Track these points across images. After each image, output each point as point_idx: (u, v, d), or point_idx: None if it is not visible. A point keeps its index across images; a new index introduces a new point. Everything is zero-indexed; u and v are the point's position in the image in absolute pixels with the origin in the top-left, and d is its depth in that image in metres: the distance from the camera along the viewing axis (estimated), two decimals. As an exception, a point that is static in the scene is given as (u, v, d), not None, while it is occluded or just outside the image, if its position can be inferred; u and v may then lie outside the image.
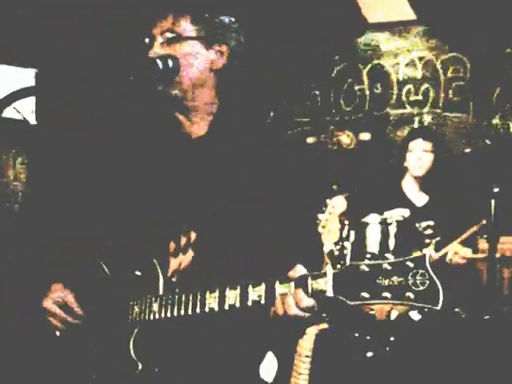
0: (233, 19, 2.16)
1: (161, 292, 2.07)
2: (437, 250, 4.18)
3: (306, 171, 2.25)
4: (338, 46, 5.64)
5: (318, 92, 5.74)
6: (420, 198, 4.47)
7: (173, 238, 2.12)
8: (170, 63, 2.08)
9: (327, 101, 5.71)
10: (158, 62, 2.06)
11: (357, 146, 5.64)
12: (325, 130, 5.69)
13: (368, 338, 3.40)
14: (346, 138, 5.66)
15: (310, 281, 1.85)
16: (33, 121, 4.83)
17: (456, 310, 3.96)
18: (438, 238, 4.27)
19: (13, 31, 4.74)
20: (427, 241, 4.28)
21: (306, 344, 3.20)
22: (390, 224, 3.67)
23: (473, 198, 4.29)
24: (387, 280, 1.73)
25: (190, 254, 2.10)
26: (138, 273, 2.11)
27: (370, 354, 3.49)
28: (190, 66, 2.11)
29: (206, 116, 2.18)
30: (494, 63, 5.24)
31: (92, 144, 2.41)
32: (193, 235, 2.11)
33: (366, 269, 1.75)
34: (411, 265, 1.72)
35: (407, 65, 5.57)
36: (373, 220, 3.68)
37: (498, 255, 4.05)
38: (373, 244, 3.60)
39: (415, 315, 1.74)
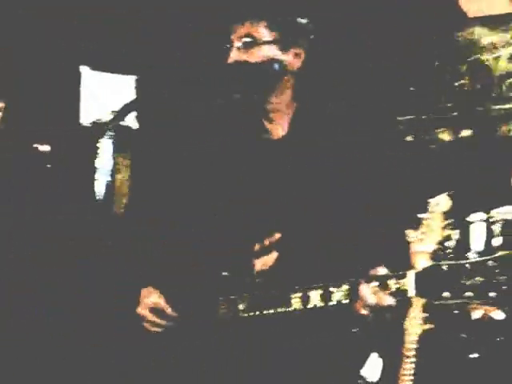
0: (308, 21, 2.18)
1: (246, 292, 2.11)
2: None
3: (406, 170, 2.25)
4: (436, 41, 5.54)
5: (415, 88, 5.66)
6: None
7: (257, 238, 2.16)
8: (276, 66, 2.13)
9: (426, 97, 5.62)
10: (265, 64, 2.11)
11: (457, 142, 5.52)
12: (424, 127, 5.60)
13: (470, 338, 3.35)
14: (446, 135, 5.56)
15: (392, 280, 1.86)
16: (135, 126, 4.97)
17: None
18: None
19: (113, 39, 4.90)
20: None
21: (409, 344, 3.17)
22: (496, 223, 3.58)
23: None
24: (470, 279, 1.72)
25: (274, 254, 2.13)
26: (225, 273, 2.15)
27: (473, 356, 3.43)
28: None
29: (285, 117, 2.21)
30: None
31: (184, 147, 2.47)
32: (277, 236, 2.13)
33: (448, 268, 1.75)
34: (494, 264, 1.70)
35: (509, 58, 5.42)
36: (477, 218, 3.60)
37: None
38: (477, 243, 3.53)
39: (499, 315, 1.71)
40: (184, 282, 2.21)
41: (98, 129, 4.45)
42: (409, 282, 1.84)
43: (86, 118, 4.63)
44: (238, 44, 2.17)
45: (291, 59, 2.18)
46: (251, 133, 2.25)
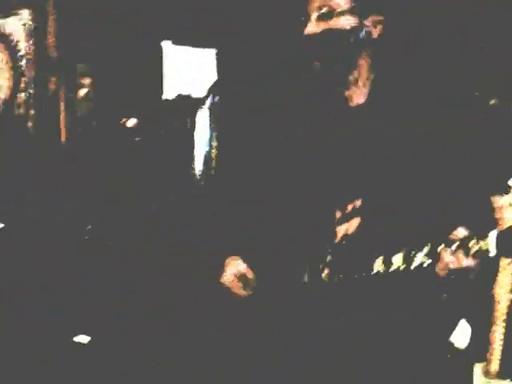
0: None
1: (329, 259, 2.17)
2: None
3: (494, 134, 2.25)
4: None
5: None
6: None
7: (338, 205, 2.21)
8: (361, 35, 2.16)
9: None
10: (347, 33, 2.15)
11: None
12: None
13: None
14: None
15: (472, 242, 1.89)
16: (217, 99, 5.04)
17: None
18: None
19: (192, 13, 4.98)
20: None
21: (499, 311, 3.15)
22: None
23: None
24: None
25: (357, 220, 2.18)
26: (308, 241, 2.22)
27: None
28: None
29: (365, 85, 2.25)
30: None
31: (265, 118, 2.53)
32: (358, 202, 2.18)
33: None
34: None
35: None
36: None
37: None
38: None
39: None
40: (267, 250, 2.28)
41: (182, 103, 4.57)
42: (490, 243, 1.86)
43: (169, 92, 4.75)
44: (314, 15, 2.21)
45: (370, 27, 2.21)
46: (331, 101, 2.29)
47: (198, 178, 3.37)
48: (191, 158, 3.60)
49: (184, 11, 5.01)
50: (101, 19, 4.43)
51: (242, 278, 2.29)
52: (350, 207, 2.19)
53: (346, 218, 2.20)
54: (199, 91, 4.84)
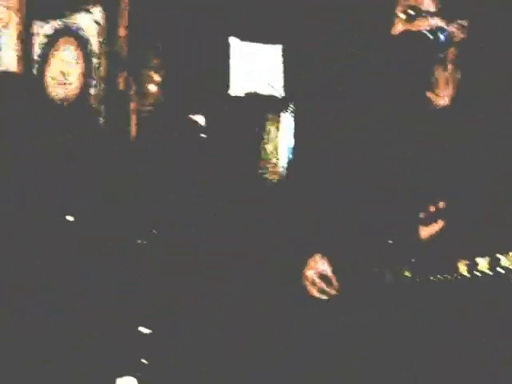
0: None
1: (413, 261, 2.15)
2: None
3: None
4: None
5: None
6: None
7: (421, 207, 2.19)
8: (442, 37, 2.16)
9: None
10: (429, 35, 2.14)
11: None
12: None
13: None
14: None
15: None
16: (282, 94, 5.04)
17: None
18: None
19: (258, 8, 4.98)
20: None
21: None
22: None
23: None
24: None
25: (440, 222, 2.16)
26: (391, 241, 2.21)
27: None
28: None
29: (449, 88, 2.23)
30: None
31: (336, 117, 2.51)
32: (441, 204, 2.16)
33: None
34: None
35: None
36: None
37: None
38: None
39: None
40: (350, 250, 2.28)
41: (250, 100, 4.57)
42: None
43: (236, 89, 4.75)
44: (402, 16, 2.20)
45: (455, 30, 2.20)
46: (414, 102, 2.28)
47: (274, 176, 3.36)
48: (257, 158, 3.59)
49: (252, 8, 5.01)
50: (170, 16, 4.46)
51: (324, 277, 2.29)
52: (432, 209, 2.17)
53: (429, 220, 2.18)
54: (265, 88, 4.84)
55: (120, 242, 3.77)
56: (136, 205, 3.84)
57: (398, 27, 2.21)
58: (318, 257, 2.32)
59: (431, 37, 2.17)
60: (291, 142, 3.29)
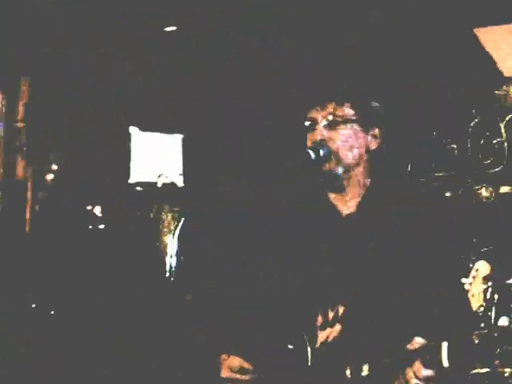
0: (380, 104, 2.32)
1: (309, 364, 2.18)
2: None
3: (446, 226, 2.33)
4: (474, 100, 5.65)
5: (455, 145, 5.75)
6: None
7: (321, 311, 2.24)
8: (321, 151, 2.25)
9: (465, 154, 5.70)
10: (310, 151, 2.24)
11: (496, 199, 5.58)
12: (463, 183, 5.68)
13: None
14: (485, 192, 5.62)
15: (427, 352, 1.94)
16: (181, 183, 5.08)
17: None
18: None
19: (158, 99, 5.06)
20: None
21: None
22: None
23: None
24: (498, 348, 1.76)
25: (338, 327, 2.21)
26: (291, 346, 2.23)
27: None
28: (351, 148, 2.29)
29: (357, 194, 2.32)
30: None
31: (238, 212, 2.56)
32: (341, 309, 2.21)
33: (478, 338, 1.80)
34: None
35: (546, 118, 5.50)
36: (516, 281, 3.66)
37: None
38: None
39: None
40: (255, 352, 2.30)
41: (148, 190, 4.58)
42: (443, 354, 1.89)
43: (136, 177, 4.76)
44: (323, 122, 2.29)
45: (369, 139, 2.31)
46: (319, 209, 2.35)
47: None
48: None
49: (151, 98, 5.07)
50: (70, 106, 4.46)
51: (238, 369, 2.31)
52: (331, 314, 2.22)
53: (328, 324, 2.23)
54: (164, 178, 4.87)
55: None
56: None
57: (319, 132, 2.29)
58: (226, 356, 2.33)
59: (312, 154, 2.26)
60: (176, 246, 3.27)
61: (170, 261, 2.94)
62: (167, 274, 2.97)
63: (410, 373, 1.98)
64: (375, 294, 2.22)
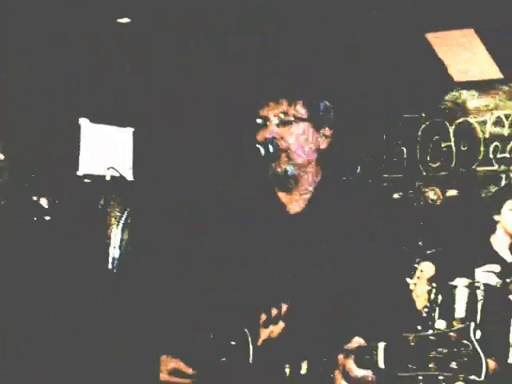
0: (332, 105, 2.33)
1: (251, 361, 2.18)
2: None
3: (393, 228, 2.35)
4: (424, 104, 5.72)
5: (404, 148, 5.82)
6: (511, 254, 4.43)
7: (264, 309, 2.24)
8: (271, 148, 2.24)
9: (414, 157, 5.78)
10: (260, 147, 2.23)
11: (443, 202, 5.67)
12: (412, 186, 5.75)
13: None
14: (432, 194, 5.70)
15: (363, 352, 1.95)
16: (130, 177, 5.04)
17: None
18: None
19: (112, 91, 5.01)
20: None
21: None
22: (478, 287, 3.70)
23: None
24: (433, 351, 1.78)
25: (281, 325, 2.21)
26: (233, 342, 2.23)
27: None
28: (301, 147, 2.29)
29: (306, 193, 2.32)
30: None
31: (187, 208, 2.55)
32: (284, 307, 2.22)
33: (414, 340, 1.82)
34: (455, 335, 1.77)
35: (494, 122, 5.60)
36: (461, 283, 3.71)
37: None
38: (460, 308, 3.63)
39: None
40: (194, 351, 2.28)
41: (97, 182, 4.53)
42: (379, 354, 1.91)
43: (85, 170, 4.71)
44: (275, 121, 2.29)
45: (321, 139, 2.32)
46: (267, 207, 2.35)
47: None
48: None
49: (103, 90, 5.02)
50: (19, 95, 4.39)
51: (177, 372, 2.29)
52: (275, 311, 2.22)
53: (271, 322, 2.23)
54: (113, 171, 4.82)
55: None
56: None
57: (271, 130, 2.28)
58: (166, 357, 2.31)
59: (262, 150, 2.26)
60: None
61: (113, 252, 2.91)
62: (110, 266, 2.93)
63: (340, 373, 1.99)
64: (320, 292, 2.23)
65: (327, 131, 2.34)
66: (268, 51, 4.94)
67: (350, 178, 5.14)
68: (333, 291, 2.22)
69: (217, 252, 2.37)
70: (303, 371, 2.07)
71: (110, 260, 2.92)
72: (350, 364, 1.97)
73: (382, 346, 1.89)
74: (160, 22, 4.77)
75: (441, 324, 1.79)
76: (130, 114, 5.17)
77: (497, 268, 4.17)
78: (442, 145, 5.74)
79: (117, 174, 4.78)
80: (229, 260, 2.33)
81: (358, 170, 5.75)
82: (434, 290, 3.69)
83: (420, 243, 5.33)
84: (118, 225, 2.83)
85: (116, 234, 2.88)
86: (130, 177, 5.03)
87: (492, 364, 3.58)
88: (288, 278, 2.26)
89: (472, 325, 1.76)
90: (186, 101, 5.05)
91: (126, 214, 2.78)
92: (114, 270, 2.93)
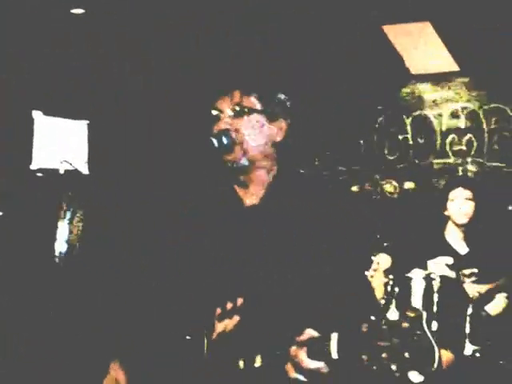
0: (287, 97, 2.30)
1: (205, 355, 2.16)
2: (480, 298, 4.21)
3: (350, 221, 2.33)
4: (381, 97, 5.74)
5: (362, 141, 5.84)
6: (464, 246, 4.48)
7: (219, 302, 2.21)
8: (225, 141, 2.21)
9: (371, 150, 5.80)
10: (214, 140, 2.20)
11: (401, 194, 5.70)
12: (369, 178, 5.77)
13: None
14: (389, 187, 5.73)
15: (315, 344, 1.94)
16: (85, 171, 4.98)
17: (501, 362, 3.97)
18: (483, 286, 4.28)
19: (66, 84, 4.94)
20: (472, 288, 4.28)
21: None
22: (434, 279, 3.73)
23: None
24: (386, 341, 1.77)
25: (236, 318, 2.19)
26: (188, 337, 2.20)
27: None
28: (256, 139, 2.26)
29: (261, 186, 2.30)
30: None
31: (143, 202, 2.51)
32: (239, 300, 2.19)
33: (367, 330, 1.80)
34: (407, 325, 1.76)
35: (451, 115, 5.65)
36: (417, 275, 3.73)
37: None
38: (417, 299, 3.65)
39: (415, 376, 1.75)
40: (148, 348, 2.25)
41: (50, 176, 4.46)
42: (332, 345, 1.89)
43: (38, 163, 4.64)
44: (229, 112, 2.26)
45: (275, 131, 2.29)
46: (222, 199, 2.32)
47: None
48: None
49: (57, 82, 4.95)
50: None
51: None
52: (230, 305, 2.20)
53: (226, 315, 2.20)
54: (67, 164, 4.75)
55: None
56: None
57: (225, 121, 2.25)
58: (114, 364, 2.28)
59: (216, 142, 2.23)
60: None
61: (60, 247, 2.87)
62: (56, 260, 2.89)
63: (291, 365, 1.97)
64: (275, 285, 2.21)
65: (282, 123, 2.31)
66: (224, 42, 4.90)
67: (307, 171, 5.14)
68: (289, 284, 2.20)
69: (171, 245, 2.34)
70: (257, 364, 2.05)
71: (57, 254, 2.87)
72: (302, 356, 1.95)
73: (334, 336, 1.88)
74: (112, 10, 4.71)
75: (394, 314, 1.77)
76: (84, 107, 5.10)
77: (450, 260, 4.21)
78: (399, 137, 5.77)
79: (71, 168, 4.71)
80: (183, 253, 2.30)
81: (316, 163, 5.75)
82: (390, 282, 3.70)
83: (378, 235, 5.35)
84: (65, 219, 2.78)
85: (64, 229, 2.83)
86: (85, 170, 4.95)
87: (448, 355, 3.62)
88: (244, 271, 2.23)
89: (425, 314, 1.75)
90: (140, 93, 4.99)
91: (73, 208, 2.74)
92: (61, 264, 2.89)
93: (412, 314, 1.74)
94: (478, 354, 3.76)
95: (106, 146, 5.12)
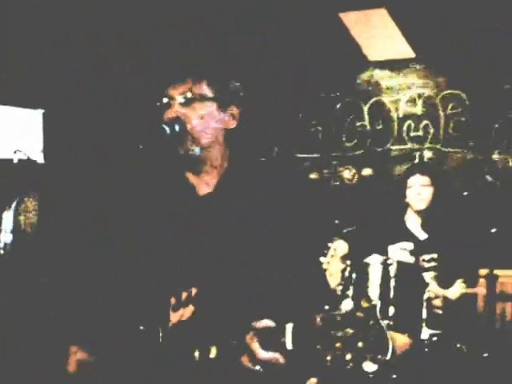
0: (239, 84, 2.29)
1: (160, 345, 2.14)
2: (440, 284, 4.25)
3: (309, 208, 2.33)
4: (338, 83, 5.75)
5: (320, 128, 5.84)
6: (423, 232, 4.53)
7: (174, 292, 2.20)
8: (177, 128, 2.19)
9: (329, 137, 5.81)
10: (165, 127, 2.18)
11: (359, 181, 5.73)
12: (327, 165, 5.79)
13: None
14: (348, 174, 5.75)
15: (271, 333, 1.93)
16: (41, 160, 4.91)
17: (458, 345, 4.02)
18: (440, 272, 4.32)
19: (21, 72, 4.87)
20: (431, 274, 4.32)
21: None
22: (391, 264, 3.75)
23: (473, 231, 4.38)
24: (340, 331, 1.78)
25: (191, 308, 2.18)
26: (142, 327, 2.18)
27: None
28: (207, 126, 2.24)
29: (215, 174, 2.28)
30: (492, 99, 5.34)
31: (99, 191, 2.48)
32: (194, 290, 2.18)
33: (321, 321, 1.81)
34: (361, 315, 1.77)
35: (407, 101, 5.68)
36: (374, 261, 3.76)
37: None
38: (374, 285, 3.67)
39: (369, 366, 1.76)
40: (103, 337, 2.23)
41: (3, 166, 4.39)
42: (287, 335, 1.89)
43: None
44: (180, 99, 2.23)
45: (227, 118, 2.27)
46: (176, 188, 2.30)
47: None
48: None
49: (10, 70, 4.87)
50: None
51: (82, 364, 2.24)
52: (184, 295, 2.19)
53: (181, 305, 2.19)
54: (24, 154, 4.68)
55: None
56: None
57: (176, 109, 2.22)
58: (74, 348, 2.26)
59: (168, 129, 2.21)
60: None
61: (4, 237, 2.82)
62: (1, 252, 2.84)
63: (247, 356, 1.96)
64: (231, 274, 2.20)
65: (235, 110, 2.30)
66: (178, 30, 4.87)
67: (263, 158, 5.14)
68: (245, 273, 2.20)
69: (125, 235, 2.32)
70: (212, 355, 2.04)
71: (1, 245, 2.83)
72: (255, 346, 1.94)
73: (289, 326, 1.88)
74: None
75: (348, 304, 1.78)
76: (39, 95, 5.03)
77: (410, 246, 4.25)
78: (357, 124, 5.79)
79: (25, 157, 4.64)
80: (137, 243, 2.28)
81: (274, 150, 5.75)
82: (348, 268, 3.71)
83: (336, 221, 5.36)
84: (10, 209, 2.73)
85: (8, 219, 2.79)
86: (40, 160, 4.88)
87: (405, 339, 3.65)
88: (198, 260, 2.22)
89: (378, 304, 1.75)
90: (98, 81, 4.93)
91: (18, 198, 2.69)
92: (5, 256, 2.85)
93: (366, 304, 1.75)
94: (434, 338, 3.80)
95: (61, 135, 5.06)
